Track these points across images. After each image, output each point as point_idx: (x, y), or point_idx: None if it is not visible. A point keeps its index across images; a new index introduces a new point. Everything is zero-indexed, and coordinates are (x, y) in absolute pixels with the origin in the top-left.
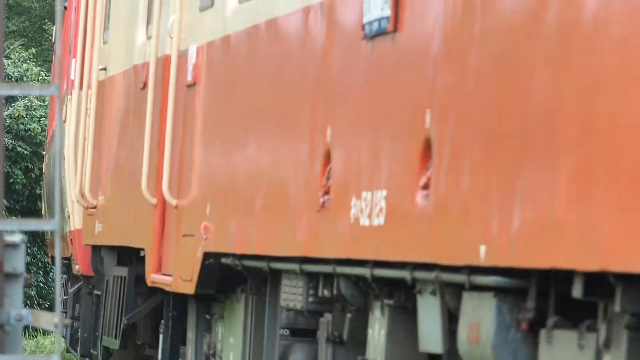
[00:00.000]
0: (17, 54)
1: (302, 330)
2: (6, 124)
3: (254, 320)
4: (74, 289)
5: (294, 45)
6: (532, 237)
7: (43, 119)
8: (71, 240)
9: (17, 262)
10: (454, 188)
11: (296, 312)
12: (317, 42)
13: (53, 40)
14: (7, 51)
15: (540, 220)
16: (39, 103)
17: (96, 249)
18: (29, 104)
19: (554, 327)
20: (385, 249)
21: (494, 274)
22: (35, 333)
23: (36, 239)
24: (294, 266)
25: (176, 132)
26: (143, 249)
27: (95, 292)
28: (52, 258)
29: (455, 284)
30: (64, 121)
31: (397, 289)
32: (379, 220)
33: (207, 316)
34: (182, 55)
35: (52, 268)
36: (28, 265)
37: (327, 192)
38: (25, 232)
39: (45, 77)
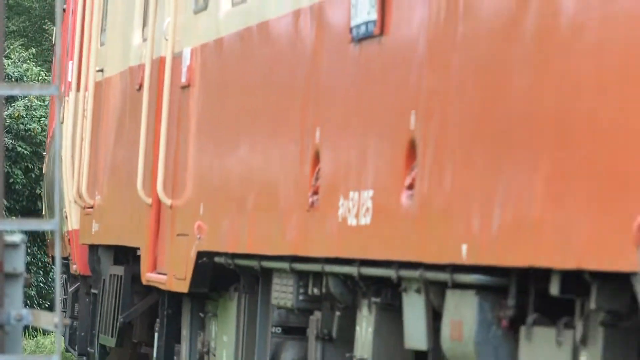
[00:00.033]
0: (17, 54)
1: (293, 328)
2: (6, 124)
3: (246, 319)
4: (72, 288)
5: (285, 48)
6: (511, 236)
7: (43, 119)
8: (69, 240)
9: (17, 262)
10: (437, 188)
11: (287, 310)
12: (307, 45)
13: (53, 41)
14: (7, 51)
15: (518, 220)
16: (39, 103)
17: (93, 248)
18: (29, 104)
19: (533, 324)
20: (372, 248)
21: (475, 272)
22: (35, 333)
23: (36, 239)
24: (285, 265)
25: (171, 133)
26: (139, 248)
27: (93, 290)
28: (53, 258)
29: (439, 282)
30: (62, 122)
31: (384, 287)
32: (365, 220)
33: (201, 314)
34: (177, 57)
35: (52, 268)
36: (28, 265)
37: (316, 192)
38: (25, 232)
39: (45, 77)
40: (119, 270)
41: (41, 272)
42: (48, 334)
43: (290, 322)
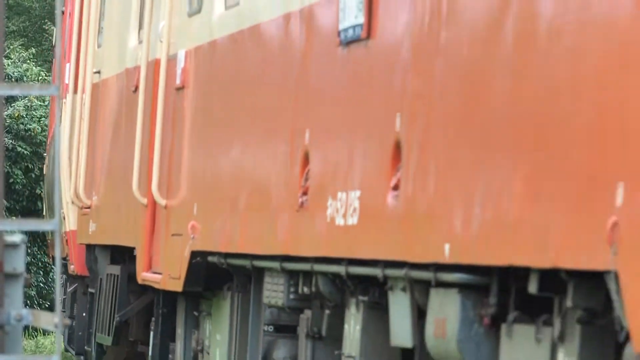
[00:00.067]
0: (17, 54)
1: (285, 326)
2: (6, 124)
3: (239, 317)
4: (71, 289)
5: (276, 50)
6: (491, 236)
7: (43, 119)
8: (66, 241)
9: (17, 262)
10: (421, 189)
11: (279, 309)
12: (297, 48)
13: (53, 42)
14: (7, 51)
15: (498, 220)
16: (39, 103)
17: (90, 248)
18: (29, 104)
19: (513, 322)
20: (359, 248)
21: (458, 271)
22: (35, 333)
23: (36, 239)
24: (275, 264)
25: (165, 134)
26: (135, 248)
27: (90, 290)
28: (53, 258)
29: (423, 281)
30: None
31: (371, 286)
32: (352, 220)
33: (196, 313)
34: (172, 60)
35: (52, 268)
36: (28, 265)
37: (305, 193)
38: (25, 232)
39: (45, 77)
40: (116, 269)
41: (41, 272)
42: (48, 334)
43: (282, 320)
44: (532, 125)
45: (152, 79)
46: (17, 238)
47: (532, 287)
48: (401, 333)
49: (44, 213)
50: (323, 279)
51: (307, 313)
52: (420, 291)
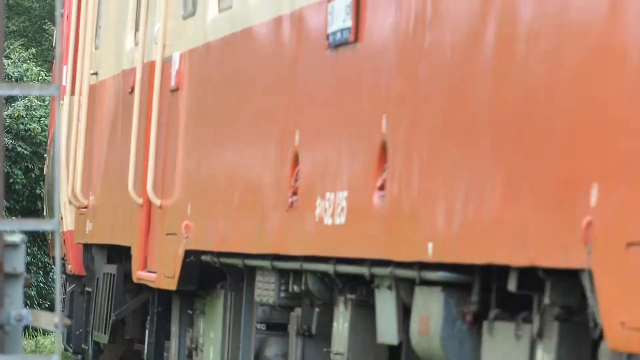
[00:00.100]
0: (17, 54)
1: (277, 324)
2: (6, 124)
3: (232, 315)
4: (70, 288)
5: (267, 53)
6: (472, 235)
7: (43, 119)
8: (64, 241)
9: (17, 262)
10: (405, 189)
11: (270, 307)
12: (287, 51)
13: (54, 43)
14: (7, 51)
15: (479, 220)
16: (39, 103)
17: (87, 247)
18: (29, 104)
19: (494, 319)
20: (346, 247)
21: (441, 269)
22: (35, 333)
23: (36, 239)
24: (266, 263)
25: (160, 135)
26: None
27: (87, 289)
28: (53, 258)
29: (408, 279)
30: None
31: (359, 285)
32: (340, 220)
33: (190, 312)
34: (167, 61)
35: (52, 268)
36: (28, 265)
37: (295, 193)
38: (25, 232)
39: (45, 77)
40: (112, 268)
41: (41, 272)
42: (48, 334)
43: (274, 318)
44: (512, 127)
45: (148, 80)
46: (17, 238)
47: (512, 285)
48: (387, 330)
49: (44, 213)
50: (312, 278)
51: (298, 311)
52: (405, 289)
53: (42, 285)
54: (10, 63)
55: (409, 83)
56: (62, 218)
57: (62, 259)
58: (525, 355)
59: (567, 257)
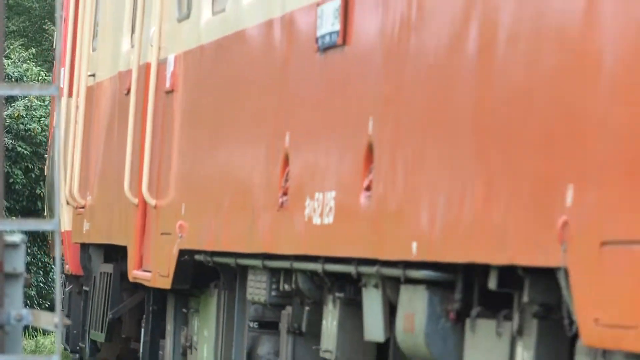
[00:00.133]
0: (17, 54)
1: (269, 322)
2: (6, 124)
3: (225, 314)
4: (68, 288)
5: (259, 55)
6: (454, 235)
7: (43, 119)
8: (62, 241)
9: (17, 262)
10: (391, 189)
11: (262, 306)
12: (278, 54)
13: (54, 44)
14: (7, 51)
15: (460, 220)
16: (39, 103)
17: (85, 247)
18: (29, 104)
19: (477, 317)
20: (334, 246)
21: (426, 268)
22: (35, 333)
23: (36, 239)
24: (258, 262)
25: (155, 136)
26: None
27: (84, 288)
28: (54, 258)
29: (394, 278)
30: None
31: (347, 283)
32: (328, 219)
33: (184, 310)
34: (162, 64)
35: (52, 268)
36: (28, 265)
37: (285, 193)
38: (25, 232)
39: (45, 77)
40: (109, 268)
41: (41, 272)
42: (48, 334)
43: (266, 317)
44: (492, 129)
45: (144, 82)
46: (17, 238)
47: (492, 284)
48: (374, 328)
49: (45, 213)
50: (302, 277)
51: (289, 309)
52: (391, 288)
53: (42, 285)
54: (10, 63)
55: (394, 85)
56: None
57: (60, 259)
58: (506, 352)
59: (544, 256)
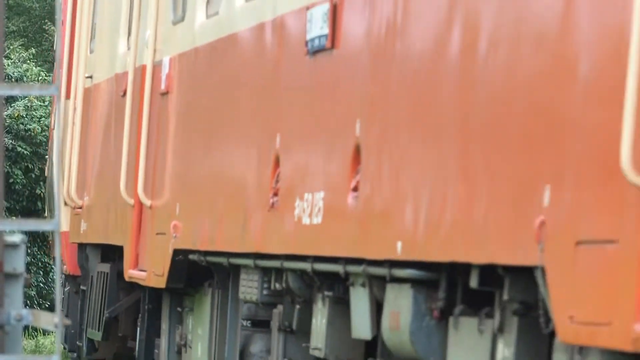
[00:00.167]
0: (17, 54)
1: (262, 321)
2: (6, 124)
3: (219, 313)
4: (67, 288)
5: (251, 58)
6: (437, 234)
7: (43, 119)
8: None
9: (17, 262)
10: (377, 190)
11: (255, 304)
12: (269, 56)
13: (54, 45)
14: (7, 51)
15: (443, 219)
16: (39, 103)
17: (82, 247)
18: (29, 104)
19: (460, 315)
20: (323, 246)
21: (411, 267)
22: (35, 333)
23: (36, 239)
24: (249, 261)
25: (151, 138)
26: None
27: (82, 287)
28: (54, 258)
29: (380, 277)
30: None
31: (336, 282)
32: (317, 220)
33: (179, 309)
34: (157, 66)
35: (52, 268)
36: (28, 265)
37: (276, 194)
38: (25, 232)
39: (46, 77)
40: (106, 267)
41: (41, 272)
42: (48, 334)
43: (259, 315)
44: (473, 131)
45: (139, 84)
46: (17, 238)
47: (473, 282)
48: (361, 326)
49: (45, 213)
50: (293, 276)
51: (280, 308)
52: (378, 286)
53: (42, 285)
54: (10, 63)
55: (381, 88)
56: None
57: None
58: (488, 349)
59: (523, 255)
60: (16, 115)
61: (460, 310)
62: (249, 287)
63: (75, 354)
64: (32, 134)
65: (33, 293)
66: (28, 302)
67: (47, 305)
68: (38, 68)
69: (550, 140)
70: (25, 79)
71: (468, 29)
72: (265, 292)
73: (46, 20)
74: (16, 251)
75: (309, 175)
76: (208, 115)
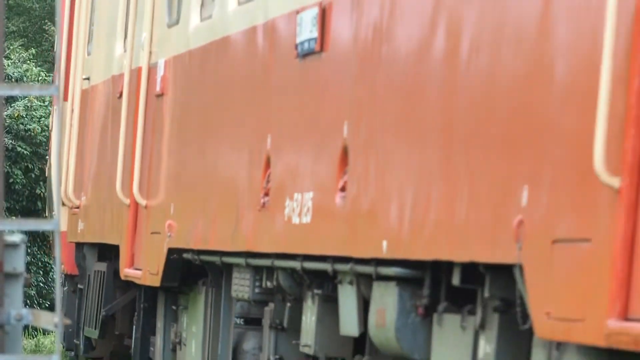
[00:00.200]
0: (17, 54)
1: (254, 319)
2: (6, 124)
3: (212, 311)
4: (65, 287)
5: (243, 61)
6: (421, 233)
7: (43, 119)
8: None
9: (17, 262)
10: (364, 190)
11: (247, 302)
12: (260, 59)
13: (55, 46)
14: (7, 51)
15: (426, 219)
16: (39, 103)
17: (79, 246)
18: (29, 104)
19: (443, 312)
20: (312, 245)
21: (396, 265)
22: (35, 333)
23: (36, 239)
24: (241, 260)
25: (146, 139)
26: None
27: (79, 286)
28: (55, 258)
29: (367, 275)
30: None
31: (325, 280)
32: (306, 219)
33: (174, 307)
34: (153, 68)
35: (52, 268)
36: (28, 265)
37: (267, 194)
38: (25, 232)
39: (46, 78)
40: (102, 266)
41: (41, 272)
42: (48, 334)
43: (252, 313)
44: (455, 133)
45: (135, 86)
46: (17, 238)
47: (456, 280)
48: (349, 323)
49: (46, 213)
50: (283, 274)
51: (271, 306)
52: (364, 284)
53: (42, 285)
54: (10, 63)
55: (367, 91)
56: None
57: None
58: (470, 345)
59: (502, 253)
60: (16, 115)
61: (444, 307)
62: (242, 286)
63: (72, 353)
64: (32, 134)
65: (33, 293)
66: (28, 301)
67: (47, 305)
68: (38, 68)
69: (528, 142)
70: (25, 79)
71: (451, 34)
72: (257, 290)
73: (46, 21)
74: (16, 251)
75: (298, 176)
76: (202, 116)
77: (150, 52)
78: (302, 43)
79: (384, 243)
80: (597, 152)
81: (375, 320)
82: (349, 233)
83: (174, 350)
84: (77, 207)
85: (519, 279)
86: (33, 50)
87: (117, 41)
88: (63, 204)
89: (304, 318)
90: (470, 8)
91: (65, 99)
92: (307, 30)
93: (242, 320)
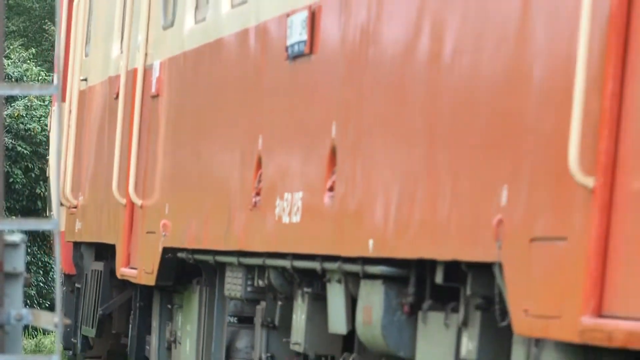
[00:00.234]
0: (17, 54)
1: (247, 317)
2: (6, 124)
3: (206, 309)
4: (63, 287)
5: (236, 62)
6: (405, 232)
7: (43, 118)
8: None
9: (17, 262)
10: (351, 190)
11: (240, 301)
12: (252, 61)
13: (54, 46)
14: (7, 51)
15: (411, 218)
16: (39, 103)
17: (77, 246)
18: (29, 104)
19: (428, 310)
20: (302, 244)
21: (382, 264)
22: (36, 333)
23: (36, 239)
24: (233, 259)
25: (142, 139)
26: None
27: (76, 285)
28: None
29: (355, 273)
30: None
31: (315, 279)
32: (296, 218)
33: (169, 306)
34: (148, 69)
35: (52, 268)
36: (28, 265)
37: (258, 194)
38: (25, 232)
39: (46, 77)
40: (99, 265)
41: (41, 272)
42: (48, 334)
43: (245, 312)
44: (438, 134)
45: (131, 87)
46: (17, 238)
47: (439, 278)
48: (337, 321)
49: (46, 213)
50: (274, 273)
51: (263, 304)
52: (352, 283)
53: (42, 285)
54: (10, 63)
55: (355, 92)
56: None
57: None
58: (453, 342)
59: (483, 252)
60: (16, 115)
61: (429, 305)
62: (234, 284)
63: (70, 352)
64: (32, 133)
65: (33, 292)
66: (28, 301)
67: (47, 305)
68: (38, 68)
69: (507, 143)
70: (25, 79)
71: (435, 38)
72: (249, 289)
73: (46, 20)
74: (16, 251)
75: (288, 176)
76: (196, 117)
77: (146, 54)
78: (292, 45)
79: (370, 242)
80: (572, 153)
81: (362, 318)
82: (336, 232)
83: (169, 348)
84: (75, 207)
85: (499, 277)
86: (33, 50)
87: (114, 43)
88: (61, 204)
89: (294, 316)
90: (454, 12)
91: (64, 100)
92: (297, 33)
93: (235, 318)
